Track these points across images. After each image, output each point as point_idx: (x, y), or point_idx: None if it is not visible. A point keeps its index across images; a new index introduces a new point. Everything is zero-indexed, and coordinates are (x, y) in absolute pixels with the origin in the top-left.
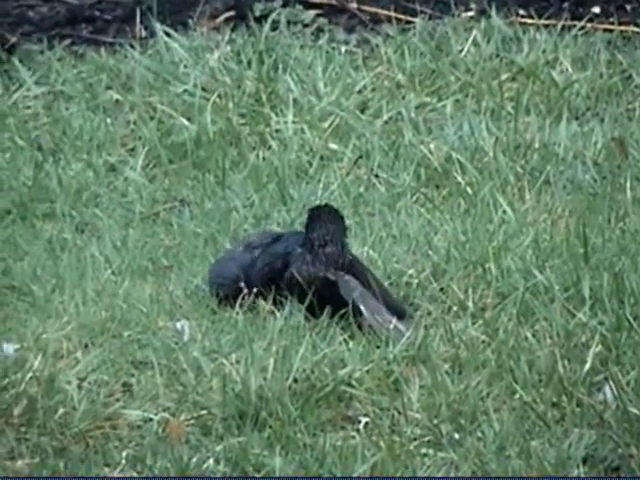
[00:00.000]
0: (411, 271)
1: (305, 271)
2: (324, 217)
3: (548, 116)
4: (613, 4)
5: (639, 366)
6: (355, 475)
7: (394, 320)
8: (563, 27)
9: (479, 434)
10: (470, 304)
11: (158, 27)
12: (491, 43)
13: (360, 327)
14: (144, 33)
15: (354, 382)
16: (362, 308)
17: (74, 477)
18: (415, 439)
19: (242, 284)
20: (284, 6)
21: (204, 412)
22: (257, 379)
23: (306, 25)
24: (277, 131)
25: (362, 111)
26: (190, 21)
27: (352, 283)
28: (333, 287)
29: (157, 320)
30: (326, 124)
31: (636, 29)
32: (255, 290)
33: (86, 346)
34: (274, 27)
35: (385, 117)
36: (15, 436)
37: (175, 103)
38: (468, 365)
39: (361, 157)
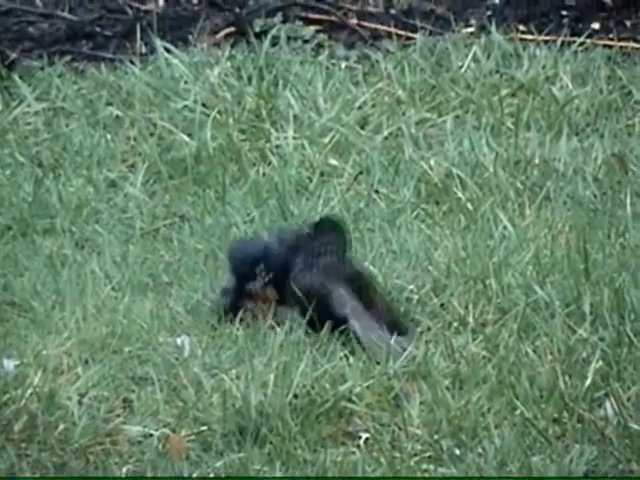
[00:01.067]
0: (411, 287)
1: (301, 280)
2: (325, 227)
3: (548, 132)
4: (613, 20)
5: None
6: None
7: (389, 337)
8: (563, 43)
9: (480, 450)
10: (470, 320)
11: (158, 43)
12: (491, 59)
13: (359, 341)
14: (144, 49)
15: (354, 398)
16: (353, 324)
17: None
18: (416, 455)
19: (261, 266)
20: (284, 22)
21: (204, 428)
22: (257, 395)
23: (306, 41)
24: (277, 147)
25: (362, 127)
26: (190, 37)
27: (344, 298)
28: (327, 299)
29: (157, 336)
30: (326, 140)
31: (636, 45)
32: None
33: (86, 362)
34: (274, 43)
35: (385, 133)
36: (16, 452)
37: (175, 119)
38: (469, 381)
39: (361, 173)
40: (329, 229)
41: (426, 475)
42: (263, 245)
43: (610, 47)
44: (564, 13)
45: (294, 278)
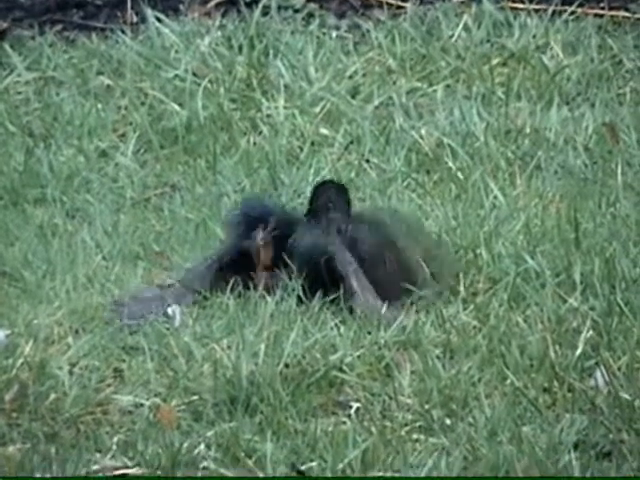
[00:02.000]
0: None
1: (305, 238)
2: (327, 188)
3: (539, 101)
4: None
5: (630, 351)
6: (346, 460)
7: (381, 304)
8: (554, 12)
9: (470, 419)
10: (461, 289)
11: (149, 12)
12: (482, 28)
13: (351, 310)
14: (135, 18)
15: (345, 367)
16: (354, 284)
17: (65, 462)
18: (406, 424)
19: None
20: None
21: (195, 397)
22: (248, 364)
23: (297, 10)
24: (268, 116)
25: (353, 96)
26: (181, 6)
27: (349, 257)
28: (330, 258)
29: None
30: (317, 109)
31: (627, 14)
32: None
33: (77, 332)
34: (265, 12)
35: (376, 102)
36: (6, 422)
37: (166, 88)
38: (459, 350)
39: (352, 142)
40: (330, 191)
41: (417, 445)
42: (267, 206)
43: (601, 16)
44: None
45: (297, 236)
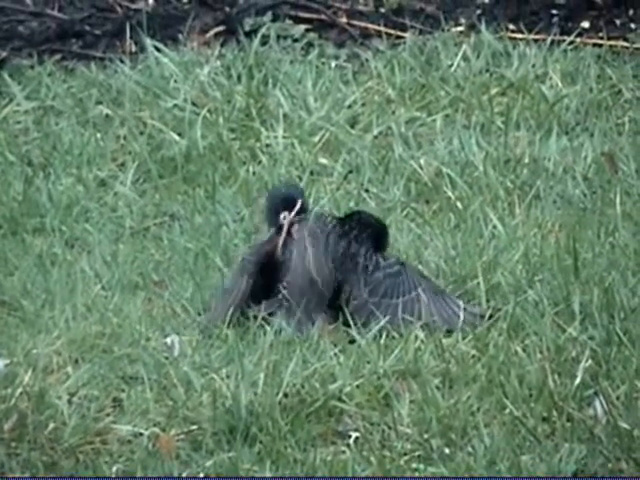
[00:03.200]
0: None
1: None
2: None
3: (538, 131)
4: (602, 19)
5: (629, 381)
6: None
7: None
8: (552, 42)
9: (469, 449)
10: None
11: (148, 42)
12: (481, 58)
13: (351, 341)
14: (134, 48)
15: (344, 397)
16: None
17: None
18: (406, 454)
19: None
20: (274, 21)
21: (194, 427)
22: (247, 394)
23: (296, 40)
24: (267, 146)
25: (352, 126)
26: (180, 36)
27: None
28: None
29: (148, 335)
30: (316, 139)
31: (625, 44)
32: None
33: (76, 361)
34: (264, 42)
35: (375, 132)
36: (5, 451)
37: (165, 118)
38: (458, 380)
39: (351, 172)
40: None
41: (416, 474)
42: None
43: (600, 46)
44: (554, 12)
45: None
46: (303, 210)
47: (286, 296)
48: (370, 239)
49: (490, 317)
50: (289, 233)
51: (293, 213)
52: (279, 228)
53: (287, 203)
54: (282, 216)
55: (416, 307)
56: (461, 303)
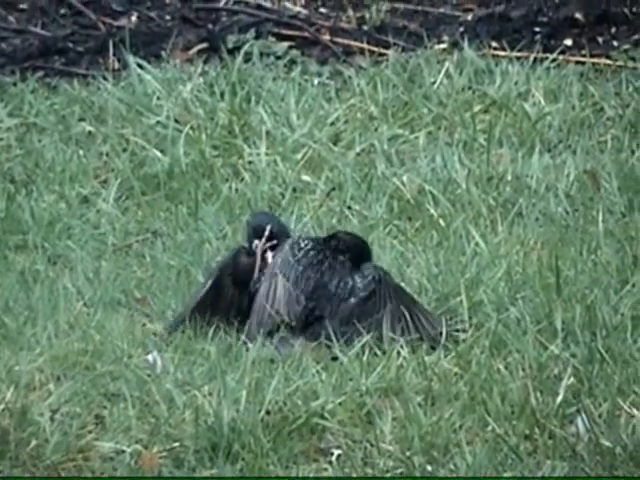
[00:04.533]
0: None
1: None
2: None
3: (520, 148)
4: (585, 36)
5: (611, 398)
6: None
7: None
8: (535, 59)
9: (452, 466)
10: (442, 336)
11: (131, 59)
12: (463, 75)
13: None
14: (117, 65)
15: (327, 414)
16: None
17: None
18: (388, 471)
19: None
20: (257, 38)
21: (176, 444)
22: (230, 411)
23: (279, 57)
24: (250, 163)
25: (335, 143)
26: (163, 53)
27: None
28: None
29: (130, 352)
30: (299, 156)
31: (608, 61)
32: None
33: (58, 378)
34: (247, 59)
35: (358, 149)
36: None
37: (148, 135)
38: (441, 397)
39: (334, 189)
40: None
41: None
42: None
43: (582, 63)
44: (536, 29)
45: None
46: (275, 237)
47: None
48: (346, 264)
49: (463, 331)
50: (263, 259)
51: (263, 240)
52: (255, 254)
53: (257, 231)
54: (254, 244)
55: (378, 329)
56: (441, 319)
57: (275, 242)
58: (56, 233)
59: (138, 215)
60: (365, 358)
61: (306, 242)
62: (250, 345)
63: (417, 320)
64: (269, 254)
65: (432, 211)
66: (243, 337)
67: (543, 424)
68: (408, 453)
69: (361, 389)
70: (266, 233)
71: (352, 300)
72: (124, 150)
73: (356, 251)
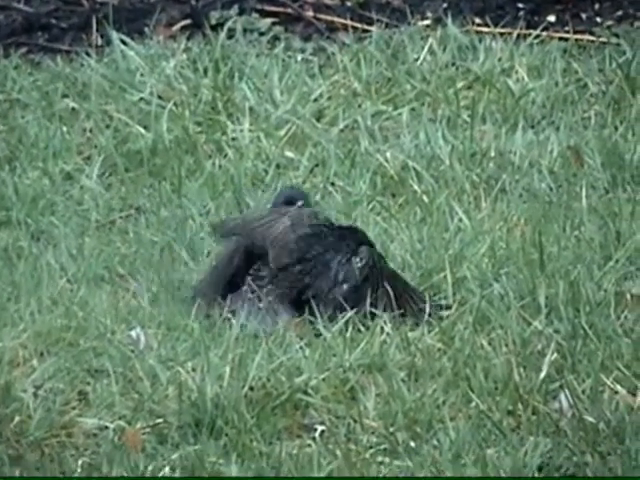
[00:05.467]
0: None
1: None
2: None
3: (504, 124)
4: (568, 13)
5: (594, 374)
6: None
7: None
8: (519, 35)
9: (435, 442)
10: (426, 312)
11: (114, 35)
12: (447, 51)
13: (316, 334)
14: (100, 41)
15: (310, 390)
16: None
17: None
18: (371, 447)
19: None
20: (240, 14)
21: (160, 420)
22: (213, 387)
23: (262, 33)
24: (233, 139)
25: (318, 119)
26: (146, 29)
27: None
28: None
29: (113, 328)
30: (282, 132)
31: (591, 37)
32: None
33: (42, 354)
34: (230, 35)
35: (341, 125)
36: None
37: (131, 111)
38: (424, 373)
39: (317, 165)
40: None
41: (381, 467)
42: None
43: (566, 40)
44: (520, 5)
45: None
46: None
47: (252, 286)
48: (350, 246)
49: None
50: None
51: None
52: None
53: (288, 203)
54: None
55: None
56: (426, 297)
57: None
58: (39, 209)
59: (121, 191)
60: (348, 334)
61: (323, 218)
62: (234, 321)
63: (409, 308)
64: None
65: (415, 187)
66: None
67: (526, 400)
68: (391, 429)
69: (344, 365)
70: (299, 204)
71: (345, 286)
72: (107, 126)
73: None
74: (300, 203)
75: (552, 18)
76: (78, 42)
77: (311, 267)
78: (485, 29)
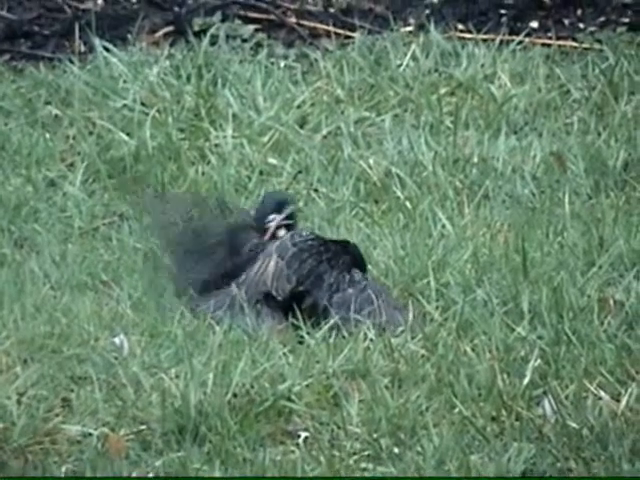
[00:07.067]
0: None
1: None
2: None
3: (487, 130)
4: (551, 19)
5: (578, 380)
6: None
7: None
8: (501, 42)
9: (419, 448)
10: (409, 318)
11: (97, 42)
12: (430, 58)
13: (300, 341)
14: (83, 48)
15: (294, 397)
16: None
17: None
18: (355, 453)
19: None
20: (223, 21)
21: (144, 427)
22: (197, 394)
23: (245, 40)
24: (216, 146)
25: (301, 126)
26: (129, 36)
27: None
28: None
29: (96, 335)
30: (265, 139)
31: (574, 44)
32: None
33: (25, 361)
34: (213, 42)
35: (324, 132)
36: None
37: (114, 118)
38: (408, 379)
39: (300, 172)
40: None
41: (365, 474)
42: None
43: (549, 46)
44: (503, 12)
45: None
46: (292, 218)
47: (238, 295)
48: (346, 263)
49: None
50: (274, 235)
51: (283, 216)
52: (263, 230)
53: (278, 205)
54: (271, 217)
55: (378, 319)
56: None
57: (291, 222)
58: (22, 216)
59: (105, 198)
60: (332, 340)
61: (309, 234)
62: (218, 327)
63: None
64: (282, 231)
65: (399, 193)
66: (208, 312)
67: (510, 406)
68: (375, 435)
69: (328, 371)
70: (288, 210)
71: (350, 290)
72: (90, 133)
73: (357, 260)
74: (287, 209)
75: (535, 24)
76: (61, 49)
77: (306, 276)
78: (468, 35)
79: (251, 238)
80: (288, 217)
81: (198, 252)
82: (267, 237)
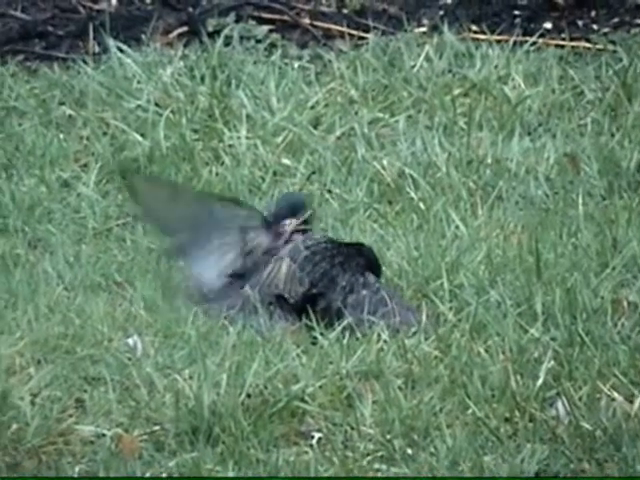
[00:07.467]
0: None
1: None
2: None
3: (500, 132)
4: (565, 20)
5: (591, 381)
6: None
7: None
8: (515, 42)
9: (432, 449)
10: (423, 319)
11: (111, 43)
12: (443, 59)
13: (313, 342)
14: (97, 49)
15: (307, 397)
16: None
17: None
18: (368, 454)
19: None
20: (237, 21)
21: (157, 427)
22: (210, 394)
23: (259, 41)
24: (230, 146)
25: (315, 127)
26: (143, 37)
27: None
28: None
29: (110, 336)
30: (279, 139)
31: (587, 45)
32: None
33: (39, 362)
34: (227, 42)
35: (338, 132)
36: None
37: (128, 119)
38: (421, 380)
39: (314, 172)
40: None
41: (378, 475)
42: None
43: (562, 47)
44: (516, 13)
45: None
46: (308, 222)
47: (250, 297)
48: (360, 266)
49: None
50: (289, 239)
51: (300, 220)
52: (278, 233)
53: (294, 209)
54: (287, 222)
55: (392, 320)
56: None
57: (308, 227)
58: (36, 217)
59: (118, 199)
60: (345, 341)
61: (322, 237)
62: (231, 328)
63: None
64: (297, 235)
65: (412, 194)
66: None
67: (523, 407)
68: (388, 436)
69: (341, 372)
70: (306, 214)
71: (364, 292)
72: (104, 134)
73: (371, 263)
74: (304, 214)
75: (548, 25)
76: (75, 49)
77: (319, 279)
78: (481, 36)
79: (263, 240)
80: (304, 222)
81: (208, 250)
82: (282, 241)
